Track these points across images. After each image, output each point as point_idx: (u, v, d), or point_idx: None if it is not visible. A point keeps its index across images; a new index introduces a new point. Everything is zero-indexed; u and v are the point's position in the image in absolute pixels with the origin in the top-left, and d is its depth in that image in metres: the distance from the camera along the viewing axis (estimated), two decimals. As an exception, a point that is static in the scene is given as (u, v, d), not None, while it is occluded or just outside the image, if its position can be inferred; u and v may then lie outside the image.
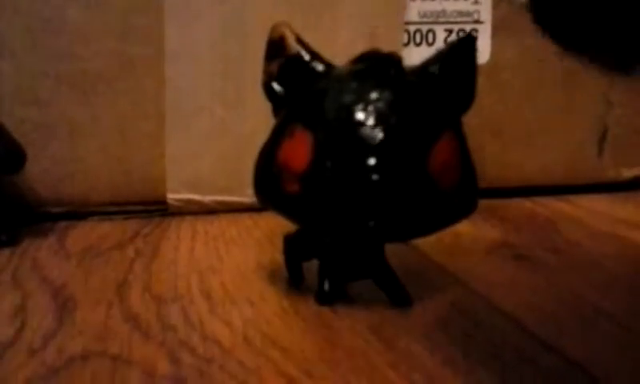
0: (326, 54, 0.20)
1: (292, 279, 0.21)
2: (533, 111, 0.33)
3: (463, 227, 0.21)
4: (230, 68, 0.29)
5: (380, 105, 0.18)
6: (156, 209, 0.30)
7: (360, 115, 0.17)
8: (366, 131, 0.17)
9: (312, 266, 0.20)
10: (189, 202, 0.30)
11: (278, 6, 0.29)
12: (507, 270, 0.23)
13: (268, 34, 0.20)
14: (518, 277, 0.22)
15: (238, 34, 0.29)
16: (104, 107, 0.29)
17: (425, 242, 0.22)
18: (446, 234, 0.20)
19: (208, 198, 0.30)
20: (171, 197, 0.30)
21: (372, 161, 0.17)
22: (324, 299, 0.19)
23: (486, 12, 0.32)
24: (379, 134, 0.17)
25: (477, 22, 0.32)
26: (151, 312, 0.19)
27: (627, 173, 0.35)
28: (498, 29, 0.32)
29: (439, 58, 0.19)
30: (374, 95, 0.18)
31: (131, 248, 0.25)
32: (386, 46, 0.20)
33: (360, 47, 0.20)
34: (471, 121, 0.20)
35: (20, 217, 0.28)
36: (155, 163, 0.30)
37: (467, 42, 0.20)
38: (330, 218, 0.18)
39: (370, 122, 0.17)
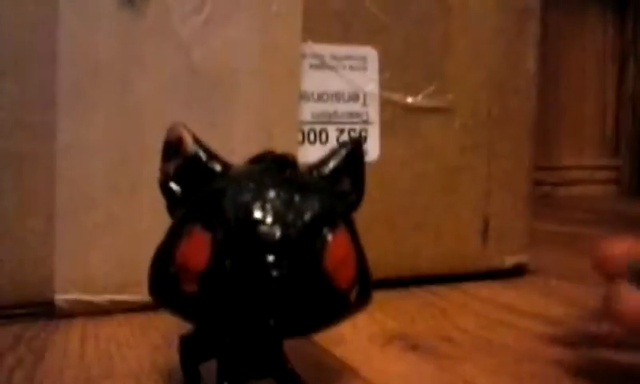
0: (222, 151, 0.20)
1: (189, 381, 0.20)
2: (421, 205, 0.35)
3: (360, 319, 0.21)
4: (125, 164, 0.29)
5: (277, 203, 0.18)
6: (43, 311, 0.29)
7: (258, 214, 0.18)
8: (264, 229, 0.18)
9: (210, 367, 0.20)
10: (79, 302, 0.29)
11: (174, 104, 0.29)
12: (404, 361, 0.23)
13: (165, 135, 0.20)
14: (414, 367, 0.23)
15: (134, 130, 0.29)
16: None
17: (323, 336, 0.22)
18: (344, 327, 0.20)
19: (100, 298, 0.29)
20: (59, 297, 0.28)
21: (271, 258, 0.17)
22: (223, 401, 0.19)
23: (374, 113, 0.34)
24: (277, 232, 0.18)
25: (366, 122, 0.34)
26: (34, 427, 0.18)
27: (509, 260, 0.37)
28: (386, 129, 0.34)
29: (331, 158, 0.20)
30: (271, 194, 0.18)
31: (11, 356, 0.24)
32: (281, 145, 0.21)
33: (256, 145, 0.21)
34: (364, 215, 0.21)
35: None
36: (43, 262, 0.28)
37: (356, 144, 0.21)
38: (230, 317, 0.18)
39: (268, 219, 0.18)
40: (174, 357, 0.21)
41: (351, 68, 0.33)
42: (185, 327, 0.20)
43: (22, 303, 0.28)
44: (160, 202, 0.20)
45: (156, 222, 0.20)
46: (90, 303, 0.29)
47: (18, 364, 0.23)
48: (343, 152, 0.20)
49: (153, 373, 0.22)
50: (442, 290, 0.34)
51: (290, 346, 0.20)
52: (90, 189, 0.29)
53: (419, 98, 0.35)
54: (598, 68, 0.96)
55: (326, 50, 0.33)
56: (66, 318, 0.28)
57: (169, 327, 0.26)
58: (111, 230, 0.29)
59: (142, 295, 0.26)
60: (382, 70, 0.34)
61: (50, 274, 0.28)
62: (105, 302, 0.29)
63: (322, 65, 0.33)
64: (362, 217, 0.21)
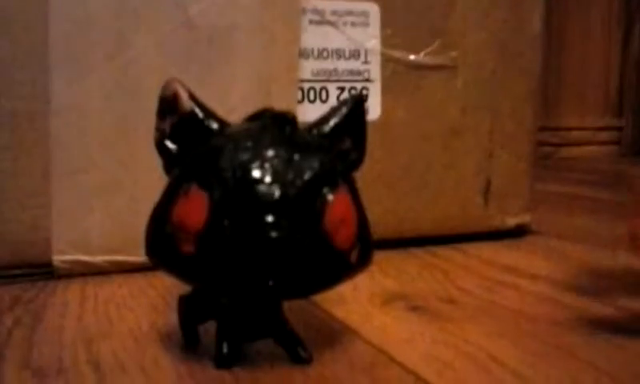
0: (220, 110, 0.20)
1: (188, 342, 0.20)
2: (422, 165, 0.34)
3: (361, 280, 0.21)
4: (121, 123, 0.29)
5: (276, 162, 0.18)
6: (40, 272, 0.28)
7: (256, 173, 0.17)
8: (262, 189, 0.17)
9: (209, 328, 0.20)
10: (77, 263, 0.28)
11: (171, 61, 0.29)
12: (405, 322, 0.23)
13: (160, 91, 0.19)
14: (415, 328, 0.23)
15: (130, 89, 0.28)
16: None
17: (323, 297, 0.22)
18: (344, 288, 0.20)
19: (98, 259, 0.29)
20: (57, 258, 0.28)
21: (270, 218, 0.17)
22: (222, 362, 0.19)
23: (375, 71, 0.33)
24: (276, 192, 0.17)
25: (367, 80, 0.33)
26: (31, 388, 0.18)
27: (511, 221, 0.37)
28: (388, 87, 0.33)
29: (331, 116, 0.20)
30: (269, 153, 0.18)
31: (9, 317, 0.23)
32: (280, 103, 0.21)
33: (254, 104, 0.20)
34: (365, 175, 0.21)
35: None
36: (40, 223, 0.28)
37: (357, 101, 0.20)
38: (228, 278, 0.17)
39: (267, 179, 0.17)
40: (172, 317, 0.21)
41: (352, 24, 0.32)
42: (183, 288, 0.20)
43: (20, 264, 0.28)
44: (157, 162, 0.20)
45: (153, 181, 0.19)
46: (88, 264, 0.29)
47: (16, 324, 0.23)
48: (344, 110, 0.20)
49: (151, 333, 0.22)
50: (443, 250, 0.34)
51: (290, 306, 0.20)
52: (85, 149, 0.28)
53: (421, 55, 0.34)
54: (603, 30, 0.95)
55: (327, 5, 0.32)
56: (65, 279, 0.28)
57: (167, 288, 0.26)
58: (108, 190, 0.29)
59: (141, 256, 0.26)
60: (383, 27, 0.33)
61: (48, 235, 0.28)
62: (103, 263, 0.29)
63: (322, 21, 0.32)
64: (362, 176, 0.20)
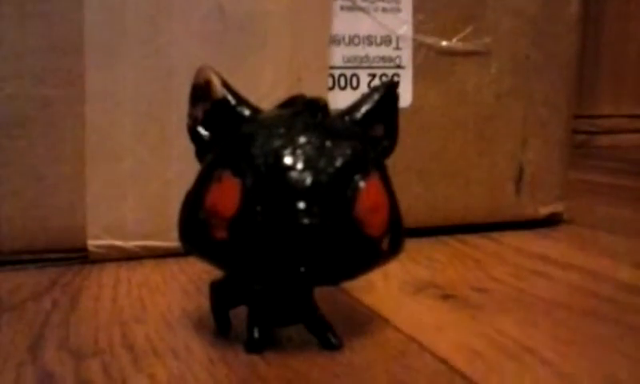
0: (251, 97, 0.20)
1: (219, 327, 0.21)
2: (454, 152, 0.34)
3: (391, 268, 0.21)
4: (153, 110, 0.29)
5: (308, 149, 0.18)
6: (75, 256, 0.29)
7: (288, 160, 0.17)
8: (294, 175, 0.17)
9: (240, 313, 0.20)
10: (111, 248, 0.29)
11: (202, 48, 0.29)
12: (436, 310, 0.23)
13: (193, 78, 0.19)
14: (446, 317, 0.23)
15: (162, 76, 0.29)
16: (17, 150, 0.28)
17: (354, 285, 0.22)
18: (375, 276, 0.20)
19: (131, 244, 0.29)
20: (92, 243, 0.29)
21: (302, 205, 0.17)
22: (253, 347, 0.19)
23: (407, 58, 0.33)
24: (308, 178, 0.17)
25: (399, 67, 0.33)
26: (68, 369, 0.18)
27: (544, 210, 0.36)
28: (419, 73, 0.33)
29: (363, 102, 0.20)
30: (301, 139, 0.18)
31: (47, 299, 0.24)
32: (310, 90, 0.21)
33: (285, 91, 0.21)
34: (396, 162, 0.20)
35: None
36: (74, 208, 0.29)
37: (389, 88, 0.20)
38: (260, 264, 0.17)
39: (299, 166, 0.17)
40: (204, 303, 0.21)
41: (383, 10, 0.32)
42: (214, 273, 0.20)
43: (56, 249, 0.29)
44: (189, 148, 0.20)
45: (186, 167, 0.20)
46: (122, 249, 0.29)
47: (54, 306, 0.23)
48: (376, 96, 0.20)
49: (183, 318, 0.22)
50: (475, 239, 0.33)
51: (321, 293, 0.20)
52: (118, 136, 0.29)
53: (454, 41, 0.33)
54: (642, 14, 0.92)
55: (358, -10, 0.32)
56: (99, 264, 0.29)
57: (198, 273, 0.26)
58: (141, 176, 0.29)
59: (173, 241, 0.27)
60: (415, 12, 0.32)
61: (82, 220, 0.29)
62: (136, 248, 0.29)
63: (353, 6, 0.32)
64: (393, 164, 0.20)
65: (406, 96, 0.33)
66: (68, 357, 0.19)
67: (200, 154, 0.19)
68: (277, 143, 0.18)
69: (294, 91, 0.20)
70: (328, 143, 0.18)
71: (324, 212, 0.17)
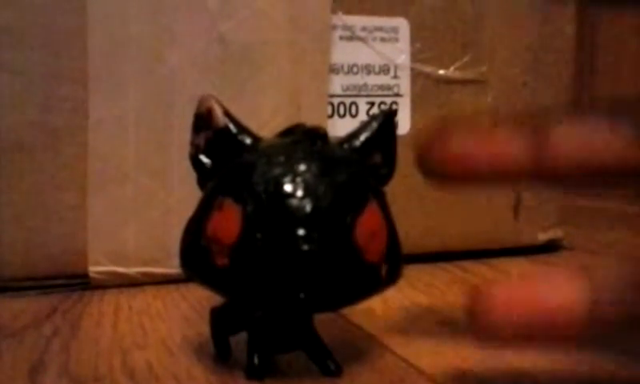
0: (251, 125, 0.20)
1: (219, 354, 0.21)
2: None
3: (390, 294, 0.21)
4: (155, 137, 0.29)
5: (308, 176, 0.18)
6: (77, 283, 0.29)
7: (288, 187, 0.18)
8: (294, 202, 0.18)
9: (240, 340, 0.20)
10: (112, 274, 0.29)
11: (204, 77, 0.29)
12: (434, 336, 0.23)
13: (196, 107, 0.20)
14: (444, 342, 0.23)
15: (164, 104, 0.29)
16: (21, 177, 0.28)
17: (353, 310, 0.22)
18: (374, 302, 0.20)
19: (132, 270, 0.29)
20: (93, 269, 0.29)
21: (302, 231, 0.17)
22: (253, 374, 0.19)
23: (405, 86, 0.33)
24: (308, 205, 0.18)
25: (397, 95, 0.33)
26: (70, 395, 0.18)
27: (542, 236, 0.36)
28: (417, 101, 0.33)
29: (362, 131, 0.20)
30: (301, 167, 0.18)
31: (48, 326, 0.24)
32: (310, 118, 0.21)
33: (285, 118, 0.21)
34: (395, 189, 0.21)
35: None
36: (76, 235, 0.29)
37: (388, 116, 0.21)
38: (261, 291, 0.18)
39: (299, 193, 0.18)
40: (204, 329, 0.21)
41: (382, 39, 0.33)
42: (215, 300, 0.20)
43: (57, 275, 0.29)
44: (191, 176, 0.20)
45: (187, 195, 0.20)
46: (123, 275, 0.29)
47: (54, 333, 0.23)
48: (375, 124, 0.20)
49: (184, 344, 0.22)
50: (473, 266, 0.33)
51: (320, 319, 0.20)
52: (121, 163, 0.29)
53: (451, 69, 0.34)
54: (638, 32, 0.93)
55: (357, 21, 0.32)
56: (100, 290, 0.29)
57: (200, 300, 0.26)
58: (143, 203, 0.29)
59: (174, 268, 0.27)
60: (413, 41, 0.33)
61: (84, 246, 0.29)
62: (137, 275, 0.29)
63: (352, 36, 0.32)
64: (391, 191, 0.20)
65: (404, 124, 0.33)
66: (68, 383, 0.19)
67: (202, 182, 0.20)
68: (277, 171, 0.18)
69: (294, 119, 0.20)
70: (327, 171, 0.18)
71: (323, 239, 0.17)
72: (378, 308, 0.26)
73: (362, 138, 0.20)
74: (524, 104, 0.35)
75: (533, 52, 0.35)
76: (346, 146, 0.20)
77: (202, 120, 0.20)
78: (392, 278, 0.19)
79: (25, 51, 0.28)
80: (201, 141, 0.20)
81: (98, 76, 0.28)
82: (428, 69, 0.33)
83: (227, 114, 0.20)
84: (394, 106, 0.33)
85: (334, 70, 0.32)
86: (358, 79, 0.32)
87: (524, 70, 0.35)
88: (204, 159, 0.20)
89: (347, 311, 0.23)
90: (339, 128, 0.31)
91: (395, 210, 0.20)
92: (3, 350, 0.22)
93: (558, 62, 0.36)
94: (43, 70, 0.28)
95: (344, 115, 0.32)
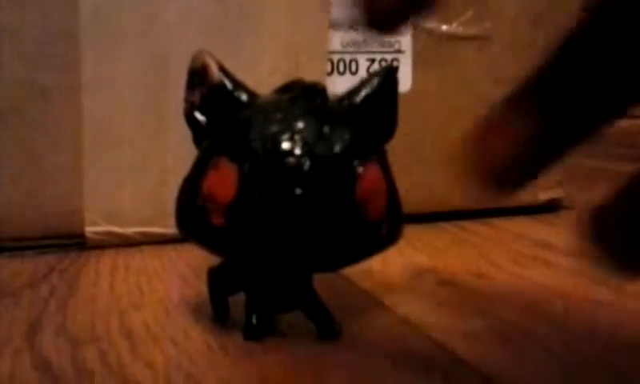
0: (249, 82, 0.19)
1: (217, 314, 0.20)
2: (453, 138, 0.34)
3: (390, 254, 0.21)
4: (150, 98, 0.29)
5: (306, 134, 0.17)
6: (73, 243, 0.29)
7: (286, 145, 0.17)
8: (292, 161, 0.17)
9: (238, 300, 0.20)
10: (108, 234, 0.29)
11: (199, 34, 0.29)
12: (435, 296, 0.23)
13: (190, 63, 0.19)
14: (445, 302, 0.22)
15: (159, 65, 0.28)
16: (15, 139, 0.28)
17: (352, 270, 0.22)
18: (373, 261, 0.20)
19: (129, 230, 0.29)
20: (89, 229, 0.29)
21: (299, 190, 0.17)
22: (252, 334, 0.19)
23: (406, 42, 0.32)
24: (306, 163, 0.17)
25: (398, 51, 0.32)
26: (65, 356, 0.18)
27: (543, 196, 0.36)
28: (419, 58, 0.33)
29: (362, 87, 0.19)
30: (299, 125, 0.17)
31: (45, 286, 0.24)
32: (309, 75, 0.20)
33: (283, 76, 0.20)
34: (395, 147, 0.20)
35: None
36: (72, 196, 0.28)
37: (389, 72, 0.20)
38: (258, 250, 0.17)
39: (297, 151, 0.17)
40: (202, 289, 0.21)
41: (383, -6, 0.32)
42: (213, 260, 0.20)
43: (54, 235, 0.29)
44: (187, 135, 0.20)
45: (183, 155, 0.19)
46: (120, 235, 0.29)
47: (51, 293, 0.23)
48: (376, 81, 0.20)
49: (181, 304, 0.22)
50: (473, 225, 0.33)
51: (319, 279, 0.20)
52: (116, 123, 0.28)
53: (454, 25, 0.33)
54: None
55: (357, -26, 0.31)
56: (97, 250, 0.29)
57: (197, 260, 0.26)
58: (139, 163, 0.29)
59: (171, 228, 0.26)
60: (415, -4, 0.32)
61: (80, 207, 0.29)
62: (134, 235, 0.29)
63: (352, -9, 0.31)
64: (392, 149, 0.20)
65: (405, 81, 0.32)
66: (65, 343, 0.19)
67: (197, 140, 0.19)
68: (274, 128, 0.17)
69: (293, 76, 0.19)
70: (326, 128, 0.18)
71: (322, 198, 0.17)
72: (378, 268, 0.25)
73: (363, 94, 0.19)
74: (528, 61, 0.34)
75: (537, 9, 0.34)
76: (345, 102, 0.19)
77: (197, 76, 0.19)
78: (392, 238, 0.19)
79: (15, 10, 0.27)
80: (195, 98, 0.19)
81: (90, 34, 0.28)
82: (430, 24, 0.33)
83: (223, 69, 0.19)
84: (395, 63, 0.32)
85: (333, 25, 0.31)
86: (358, 35, 0.32)
87: (528, 28, 0.34)
88: (199, 117, 0.19)
89: (347, 271, 0.23)
90: (339, 85, 0.30)
91: (395, 168, 0.20)
92: (1, 311, 0.21)
93: (562, 20, 0.35)
94: (33, 27, 0.27)
95: (344, 72, 0.32)
